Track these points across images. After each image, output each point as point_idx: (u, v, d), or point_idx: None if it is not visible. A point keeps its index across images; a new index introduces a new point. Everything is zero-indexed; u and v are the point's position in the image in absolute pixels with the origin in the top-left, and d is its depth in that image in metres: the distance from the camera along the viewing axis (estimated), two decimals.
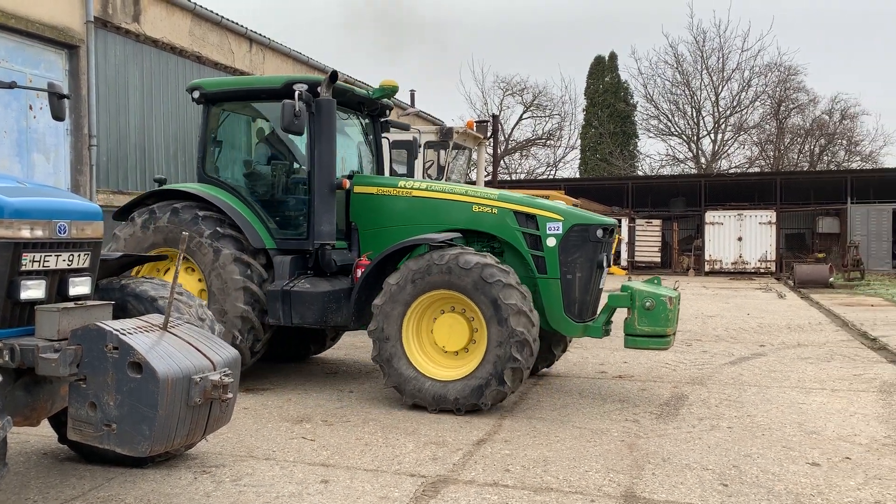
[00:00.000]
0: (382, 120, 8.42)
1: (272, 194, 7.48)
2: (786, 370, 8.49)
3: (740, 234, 30.99)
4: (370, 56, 70.75)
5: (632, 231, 32.04)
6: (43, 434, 5.26)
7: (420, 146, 11.64)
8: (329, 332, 8.66)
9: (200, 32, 15.58)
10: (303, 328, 7.41)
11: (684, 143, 45.38)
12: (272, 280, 7.02)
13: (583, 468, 4.86)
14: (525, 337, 6.00)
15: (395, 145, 11.30)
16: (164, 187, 7.50)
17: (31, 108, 11.75)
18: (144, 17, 14.03)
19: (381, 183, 7.36)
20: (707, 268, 31.08)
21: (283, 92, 6.83)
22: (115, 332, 3.58)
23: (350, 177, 7.44)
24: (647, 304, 6.36)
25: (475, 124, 14.52)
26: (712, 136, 44.10)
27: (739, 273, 30.49)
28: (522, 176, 45.04)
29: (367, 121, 8.24)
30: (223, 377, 3.70)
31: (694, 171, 42.96)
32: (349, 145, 8.24)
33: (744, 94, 43.10)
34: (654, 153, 72.74)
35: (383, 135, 8.60)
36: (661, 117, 45.03)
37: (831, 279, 23.02)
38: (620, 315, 6.65)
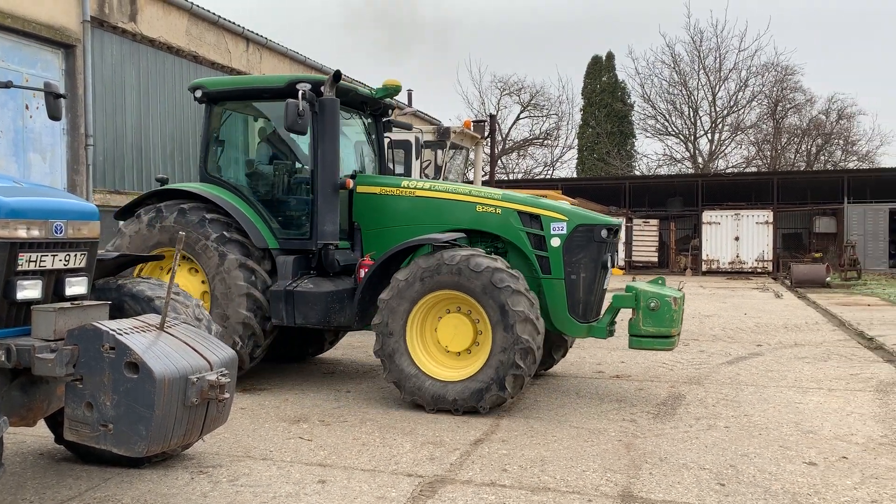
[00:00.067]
0: (385, 119, 8.39)
1: (275, 194, 7.44)
2: (783, 370, 8.50)
3: (737, 234, 31.03)
4: (370, 56, 70.90)
5: (629, 231, 32.04)
6: (39, 434, 5.24)
7: (421, 146, 11.63)
8: (328, 335, 8.65)
9: (197, 32, 15.57)
10: (303, 329, 7.39)
11: (681, 143, 45.53)
12: (275, 281, 6.99)
13: (580, 468, 4.86)
14: (530, 345, 5.97)
15: (392, 145, 11.29)
16: (167, 187, 7.46)
17: (27, 107, 11.74)
18: (141, 16, 14.01)
19: (385, 183, 7.33)
20: (704, 267, 31.12)
21: (286, 91, 6.81)
22: (111, 332, 3.57)
23: (353, 176, 7.41)
24: (652, 304, 6.33)
25: (472, 124, 14.48)
26: (709, 135, 44.25)
27: (736, 273, 30.53)
28: (520, 176, 45.07)
29: (369, 120, 8.21)
30: (220, 377, 3.69)
31: (691, 171, 43.06)
32: (352, 145, 8.22)
33: (741, 93, 43.30)
34: (652, 153, 73.06)
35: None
36: (658, 117, 45.22)
37: (828, 279, 23.06)
38: (624, 315, 6.64)
